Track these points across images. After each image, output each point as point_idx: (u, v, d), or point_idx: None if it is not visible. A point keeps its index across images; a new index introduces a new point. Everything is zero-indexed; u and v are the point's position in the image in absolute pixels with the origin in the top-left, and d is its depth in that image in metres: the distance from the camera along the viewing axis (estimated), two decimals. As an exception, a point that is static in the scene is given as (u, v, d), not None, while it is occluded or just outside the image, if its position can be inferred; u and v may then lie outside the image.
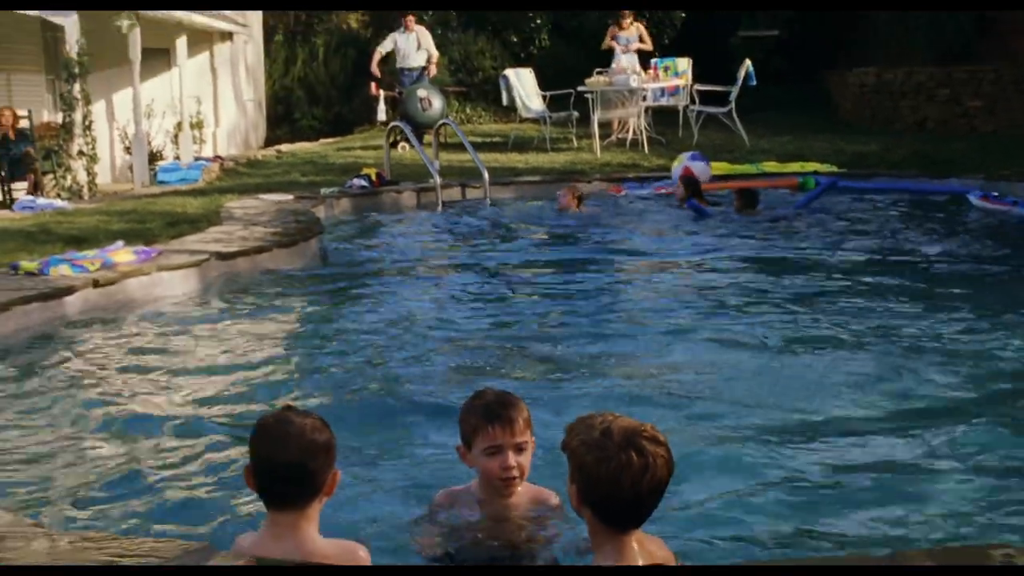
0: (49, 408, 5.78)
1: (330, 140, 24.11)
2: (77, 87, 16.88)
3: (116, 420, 5.53)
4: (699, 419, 5.37)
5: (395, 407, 5.76)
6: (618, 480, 3.10)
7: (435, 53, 20.77)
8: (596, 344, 6.95)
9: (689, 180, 13.62)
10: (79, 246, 9.19)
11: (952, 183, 14.41)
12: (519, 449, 3.84)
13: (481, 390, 3.99)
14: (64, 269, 7.82)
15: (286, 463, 3.32)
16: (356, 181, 14.81)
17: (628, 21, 20.67)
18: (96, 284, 7.73)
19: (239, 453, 4.94)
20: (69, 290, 7.50)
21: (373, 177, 14.93)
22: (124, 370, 6.52)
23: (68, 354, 6.81)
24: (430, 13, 25.84)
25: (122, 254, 8.35)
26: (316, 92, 27.53)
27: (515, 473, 3.84)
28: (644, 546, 3.23)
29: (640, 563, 3.17)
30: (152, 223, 10.81)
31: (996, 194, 12.91)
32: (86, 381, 6.28)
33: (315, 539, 3.36)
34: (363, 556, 3.36)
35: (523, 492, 3.94)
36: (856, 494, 4.47)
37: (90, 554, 3.09)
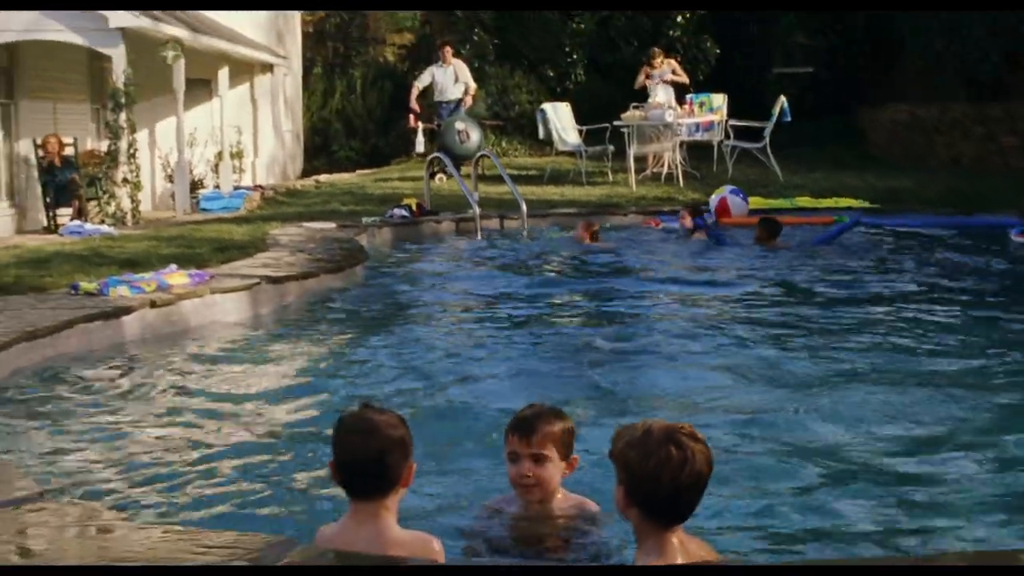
0: (121, 416, 6.08)
1: (367, 171, 24.40)
2: (123, 116, 17.21)
3: (189, 425, 5.85)
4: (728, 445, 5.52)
5: (445, 423, 5.94)
6: (659, 474, 3.30)
7: (472, 85, 21.05)
8: (627, 373, 7.11)
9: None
10: (133, 269, 9.43)
11: (985, 218, 14.54)
12: (536, 459, 4.07)
13: (532, 404, 4.22)
14: (123, 290, 8.08)
15: (365, 458, 3.54)
16: (397, 211, 15.07)
17: (659, 60, 20.89)
18: (153, 305, 7.98)
19: (303, 453, 5.27)
20: (128, 310, 7.75)
21: (413, 207, 15.20)
22: (185, 383, 6.79)
23: (129, 368, 7.10)
24: (467, 47, 26.16)
25: (177, 277, 8.60)
26: (353, 124, 27.88)
27: (528, 481, 4.09)
28: (685, 545, 3.42)
29: (679, 561, 3.36)
30: (201, 248, 11.08)
31: None
32: (146, 393, 6.52)
33: (393, 528, 3.57)
34: (437, 548, 3.55)
35: (563, 499, 4.17)
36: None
37: (181, 544, 3.30)
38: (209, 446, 5.51)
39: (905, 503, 4.67)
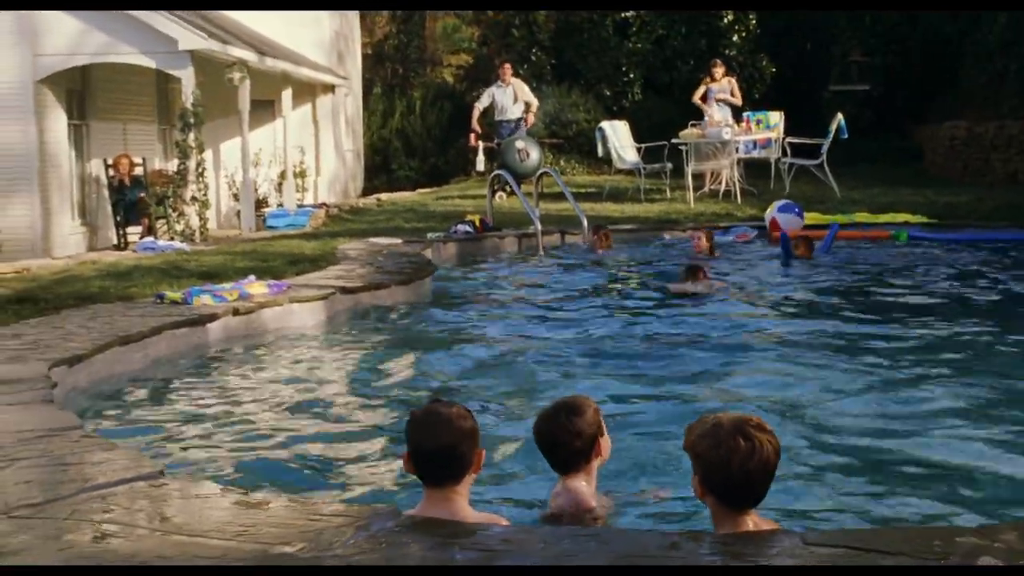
0: (217, 409, 6.49)
1: (427, 190, 24.79)
2: (192, 136, 17.65)
3: (277, 422, 6.18)
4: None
5: (506, 425, 6.20)
6: (729, 462, 3.56)
7: (534, 102, 21.32)
8: (679, 376, 7.36)
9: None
10: (212, 280, 9.78)
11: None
12: None
13: (558, 399, 4.55)
14: (206, 299, 8.41)
15: (437, 448, 3.87)
16: (460, 227, 15.38)
17: (720, 72, 21.13)
18: (236, 312, 8.31)
19: (379, 444, 5.59)
20: (212, 317, 8.08)
21: (476, 223, 15.50)
22: (269, 383, 7.13)
23: (220, 367, 7.55)
24: (524, 67, 26.52)
25: (256, 287, 8.94)
26: (412, 144, 28.31)
27: None
28: (759, 526, 3.68)
29: None
30: (274, 262, 11.42)
31: None
32: (238, 394, 6.86)
33: (466, 509, 3.90)
34: (505, 524, 3.83)
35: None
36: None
37: (296, 513, 3.59)
38: (298, 437, 5.84)
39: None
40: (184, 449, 5.60)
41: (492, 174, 17.79)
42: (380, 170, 28.48)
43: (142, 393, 6.81)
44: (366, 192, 26.93)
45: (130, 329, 7.40)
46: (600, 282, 12.25)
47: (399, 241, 14.22)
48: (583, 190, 21.81)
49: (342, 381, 7.31)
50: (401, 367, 7.74)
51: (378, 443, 5.72)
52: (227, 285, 8.97)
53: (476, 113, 21.27)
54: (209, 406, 6.54)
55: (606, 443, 4.39)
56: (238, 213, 20.14)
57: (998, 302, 10.33)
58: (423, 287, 10.86)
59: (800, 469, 5.08)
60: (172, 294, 8.56)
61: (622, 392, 6.77)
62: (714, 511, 3.70)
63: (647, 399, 6.70)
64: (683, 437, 3.77)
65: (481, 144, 21.47)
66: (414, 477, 4.01)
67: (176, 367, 7.46)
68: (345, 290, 9.54)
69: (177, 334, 7.72)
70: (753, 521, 3.67)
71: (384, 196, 23.49)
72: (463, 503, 3.91)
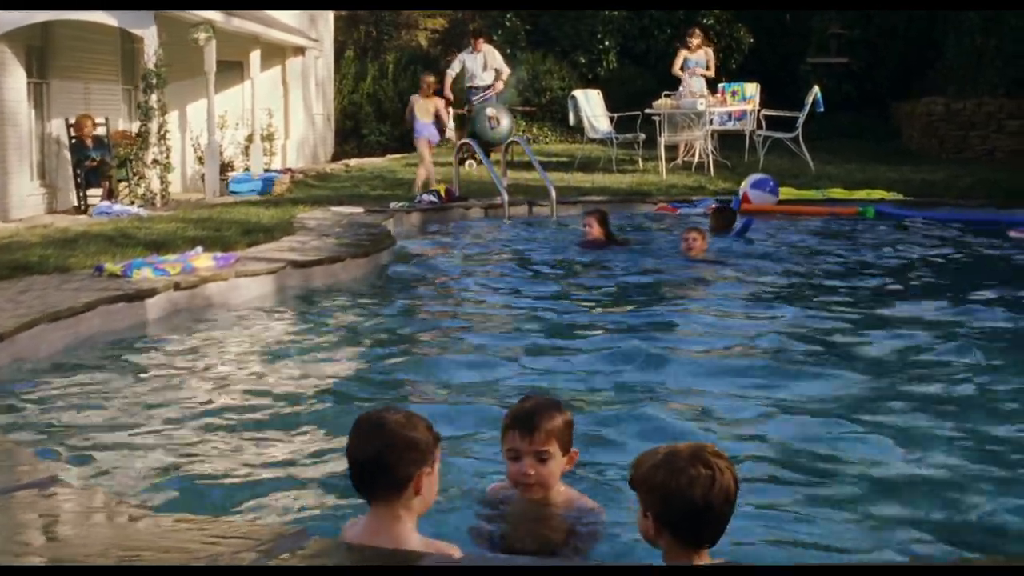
0: (134, 400, 6.03)
1: (397, 156, 24.37)
2: (154, 97, 17.21)
3: (200, 414, 5.77)
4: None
5: (457, 411, 5.90)
6: (691, 493, 3.24)
7: (505, 70, 20.88)
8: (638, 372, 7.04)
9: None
10: (159, 250, 9.42)
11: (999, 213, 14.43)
12: (539, 457, 3.91)
13: (528, 395, 4.12)
14: (146, 272, 8.06)
15: (366, 458, 3.45)
16: (425, 196, 15.04)
17: (696, 43, 20.77)
18: (177, 287, 7.95)
19: (323, 443, 5.20)
20: (151, 292, 7.73)
21: (442, 192, 15.16)
22: (205, 368, 6.76)
23: (152, 351, 7.08)
24: (499, 33, 26.09)
25: (202, 259, 8.58)
26: (384, 108, 27.81)
27: (529, 480, 3.92)
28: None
29: None
30: (228, 231, 11.04)
31: None
32: (168, 377, 6.50)
33: (410, 536, 3.46)
34: (458, 557, 3.42)
35: (563, 493, 4.05)
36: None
37: (191, 535, 3.25)
38: (229, 432, 5.47)
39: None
40: (87, 451, 5.15)
41: (459, 142, 17.39)
42: (351, 135, 27.97)
43: (59, 380, 6.36)
44: (336, 157, 26.48)
45: (61, 304, 7.04)
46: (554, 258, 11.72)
47: (361, 210, 13.87)
48: (555, 159, 21.48)
49: (281, 374, 6.79)
50: (350, 352, 7.36)
51: (312, 450, 5.29)
52: (171, 257, 8.61)
53: (448, 80, 20.86)
54: (126, 400, 6.07)
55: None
56: (203, 176, 19.70)
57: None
58: (380, 261, 10.52)
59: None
60: (111, 266, 8.19)
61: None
62: (668, 551, 3.36)
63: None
64: (630, 471, 3.42)
65: (451, 110, 21.07)
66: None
67: (103, 350, 7.04)
68: (296, 264, 9.19)
69: (112, 310, 7.37)
70: (708, 561, 3.35)
71: (353, 162, 23.10)
72: (405, 527, 3.47)
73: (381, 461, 3.43)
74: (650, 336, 7.65)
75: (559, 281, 10.34)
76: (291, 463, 5.03)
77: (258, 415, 5.78)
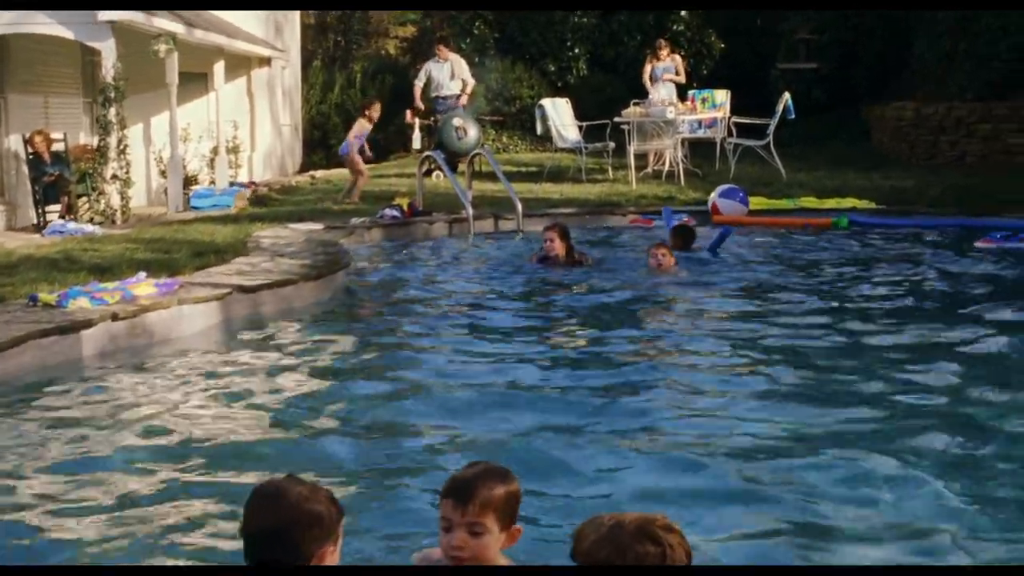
0: (59, 441, 5.72)
1: (365, 166, 24.02)
2: (113, 111, 16.90)
3: (129, 455, 5.49)
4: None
5: (403, 452, 5.64)
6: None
7: (471, 82, 20.63)
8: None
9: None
10: (103, 276, 9.11)
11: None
12: (472, 530, 3.54)
13: (475, 461, 3.80)
14: (83, 302, 7.73)
15: (260, 532, 3.16)
16: (388, 211, 14.74)
17: (665, 52, 20.59)
18: (115, 318, 7.63)
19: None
20: (86, 324, 7.40)
21: (405, 207, 14.87)
22: (138, 405, 6.43)
23: (84, 388, 6.74)
24: (468, 41, 25.82)
25: (143, 287, 8.26)
26: (353, 118, 27.43)
27: (459, 555, 3.56)
28: None
29: None
30: (178, 253, 10.72)
31: (999, 235, 12.72)
32: (99, 415, 6.19)
33: None
34: None
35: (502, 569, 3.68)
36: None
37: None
38: (155, 474, 5.19)
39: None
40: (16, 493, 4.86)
41: (423, 155, 17.10)
42: (319, 145, 27.68)
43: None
44: (305, 167, 26.18)
45: (-11, 339, 6.73)
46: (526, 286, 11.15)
47: (321, 227, 13.57)
48: (525, 168, 21.26)
49: (222, 411, 6.40)
50: (295, 384, 7.01)
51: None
52: (111, 285, 8.28)
53: (417, 90, 20.57)
54: (57, 440, 5.72)
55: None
56: (167, 191, 19.37)
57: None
58: (335, 282, 10.21)
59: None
60: (46, 296, 7.86)
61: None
62: None
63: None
64: (572, 543, 3.08)
65: (418, 121, 20.81)
66: None
67: (39, 383, 6.72)
68: (243, 289, 8.86)
69: (44, 344, 7.04)
70: None
71: (320, 173, 22.81)
72: None
73: (281, 537, 3.13)
74: (619, 366, 7.46)
75: (525, 305, 9.99)
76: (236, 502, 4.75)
77: (195, 459, 5.46)
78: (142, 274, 8.77)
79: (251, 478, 5.01)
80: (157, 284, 8.41)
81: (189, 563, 4.24)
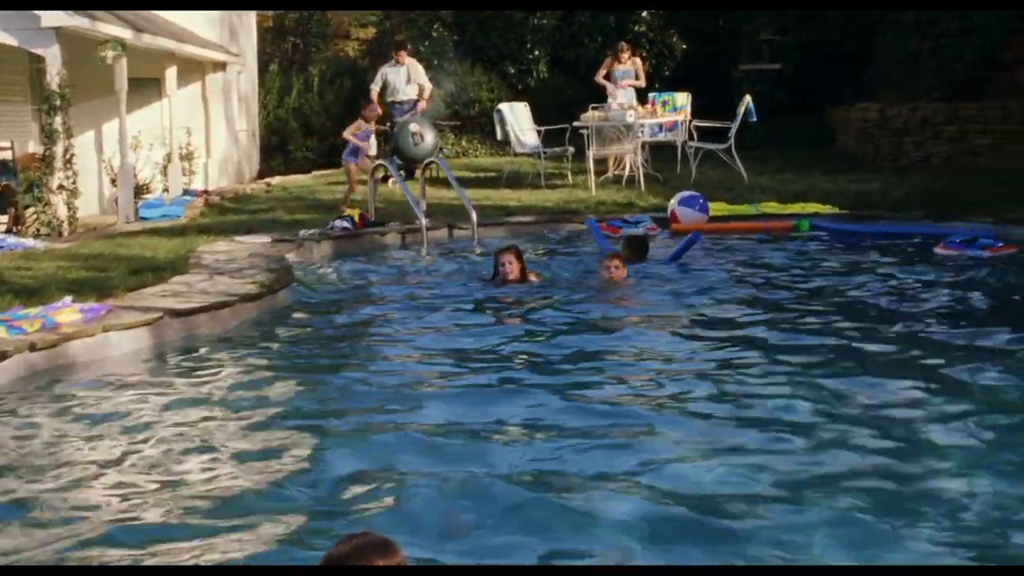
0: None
1: (323, 172, 23.72)
2: (59, 119, 16.42)
3: (48, 497, 5.15)
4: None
5: (339, 487, 5.30)
6: None
7: (428, 86, 20.25)
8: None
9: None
10: (31, 298, 8.71)
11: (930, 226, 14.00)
12: None
13: (352, 534, 3.43)
14: (0, 331, 7.34)
15: None
16: (338, 223, 14.33)
17: (626, 55, 20.28)
18: (33, 348, 7.23)
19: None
20: (2, 355, 7.00)
21: (356, 218, 14.46)
22: (58, 441, 6.04)
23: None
24: (426, 44, 25.44)
25: (66, 313, 7.86)
26: (311, 123, 27.11)
27: None
28: None
29: None
30: (115, 271, 10.30)
31: (957, 240, 12.46)
32: (15, 454, 5.79)
33: None
34: None
35: None
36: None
37: None
38: (82, 518, 4.86)
39: None
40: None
41: (375, 163, 16.69)
42: (277, 151, 27.18)
43: None
44: (262, 174, 25.71)
45: None
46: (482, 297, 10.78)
47: (268, 239, 13.17)
48: (484, 174, 20.92)
49: (149, 450, 5.98)
50: (228, 415, 6.61)
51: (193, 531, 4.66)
52: (31, 312, 7.88)
53: (374, 95, 20.13)
54: None
55: None
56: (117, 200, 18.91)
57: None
58: (277, 302, 9.81)
59: None
60: (-39, 326, 7.46)
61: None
62: None
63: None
64: None
65: (374, 126, 20.40)
66: None
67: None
68: (175, 312, 8.45)
69: (-46, 380, 6.65)
70: None
71: (276, 180, 22.38)
72: None
73: None
74: (576, 383, 7.24)
75: (480, 324, 9.55)
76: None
77: (118, 504, 5.09)
78: (68, 298, 8.37)
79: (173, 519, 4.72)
80: (83, 309, 8.01)
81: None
